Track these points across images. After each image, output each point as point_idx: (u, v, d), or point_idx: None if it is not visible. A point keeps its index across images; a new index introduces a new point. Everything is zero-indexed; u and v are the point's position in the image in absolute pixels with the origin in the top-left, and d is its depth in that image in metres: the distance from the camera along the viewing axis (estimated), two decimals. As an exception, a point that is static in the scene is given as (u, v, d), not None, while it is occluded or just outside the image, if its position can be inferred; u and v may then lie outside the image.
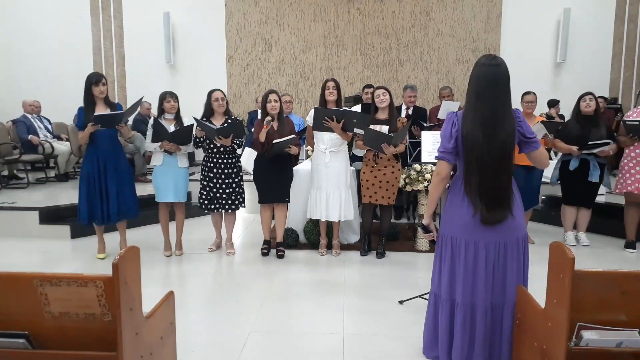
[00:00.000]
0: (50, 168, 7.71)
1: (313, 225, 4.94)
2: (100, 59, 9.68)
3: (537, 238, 5.02)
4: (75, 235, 5.26)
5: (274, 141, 4.34)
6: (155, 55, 9.50)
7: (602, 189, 5.12)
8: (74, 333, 1.85)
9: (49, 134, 7.47)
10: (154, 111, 5.14)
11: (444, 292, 2.41)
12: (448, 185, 2.56)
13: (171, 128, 4.44)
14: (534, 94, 4.97)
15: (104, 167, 4.31)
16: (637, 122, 4.53)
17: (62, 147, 7.28)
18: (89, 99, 4.27)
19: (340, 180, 4.55)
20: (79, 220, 4.43)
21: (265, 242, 4.78)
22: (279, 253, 4.64)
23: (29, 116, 7.34)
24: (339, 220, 4.65)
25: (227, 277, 4.32)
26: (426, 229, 2.52)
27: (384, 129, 4.29)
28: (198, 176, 4.92)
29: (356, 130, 4.29)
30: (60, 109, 8.20)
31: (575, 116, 4.87)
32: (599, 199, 5.25)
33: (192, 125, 4.45)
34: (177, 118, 4.55)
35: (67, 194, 6.22)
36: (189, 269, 4.42)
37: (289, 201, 4.72)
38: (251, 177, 4.76)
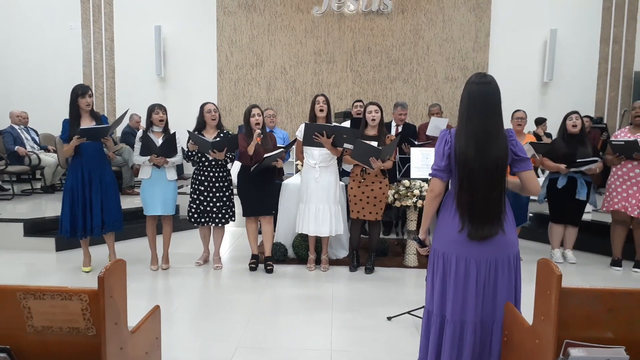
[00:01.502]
0: (37, 180, 7.63)
1: (302, 240, 4.92)
2: (90, 70, 9.65)
3: (525, 255, 5.02)
4: (60, 248, 5.19)
5: (265, 155, 4.36)
6: (146, 68, 9.50)
7: (588, 207, 5.18)
8: (56, 348, 1.81)
9: (35, 145, 7.41)
10: (144, 124, 5.12)
11: (435, 308, 2.40)
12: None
13: (159, 141, 4.43)
14: (524, 111, 5.05)
15: (88, 179, 4.27)
16: (623, 142, 4.60)
17: (48, 158, 7.22)
18: (75, 111, 4.23)
19: (330, 195, 4.55)
20: (60, 233, 4.37)
21: (253, 256, 4.75)
22: (267, 267, 4.62)
23: (16, 127, 7.29)
24: (328, 236, 4.64)
25: (214, 291, 4.28)
26: (422, 243, 2.53)
27: (373, 145, 4.32)
28: (187, 189, 4.89)
29: (346, 145, 4.31)
30: (48, 120, 8.12)
31: (562, 135, 4.94)
32: (586, 216, 5.31)
33: (175, 133, 4.44)
34: (166, 131, 4.53)
35: (53, 206, 6.15)
36: (176, 283, 4.37)
37: (274, 213, 4.70)
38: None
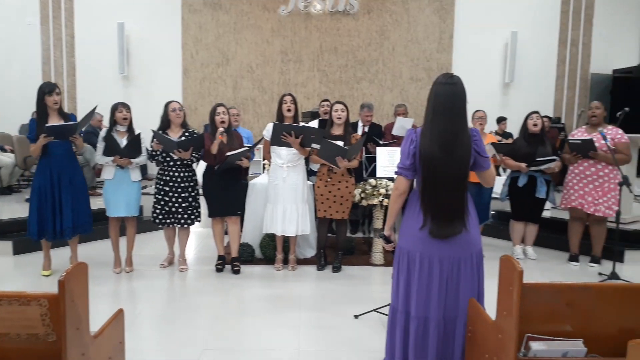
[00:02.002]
0: (-8, 181, 7.34)
1: (269, 240, 4.90)
2: (49, 68, 9.34)
3: (487, 252, 5.10)
4: (18, 251, 5.01)
5: (228, 153, 4.31)
6: (108, 65, 9.26)
7: (548, 205, 5.34)
8: (14, 355, 1.75)
9: (-9, 145, 7.13)
10: (106, 123, 5.00)
11: (400, 305, 2.43)
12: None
13: (123, 141, 4.33)
14: (484, 111, 5.20)
15: (58, 180, 4.15)
16: (580, 141, 4.76)
17: (5, 158, 6.96)
18: (42, 109, 4.11)
19: (298, 195, 4.55)
20: (28, 235, 4.23)
21: (220, 257, 4.70)
22: (234, 268, 4.57)
23: (-30, 126, 7.00)
24: (296, 235, 4.63)
25: (180, 293, 4.21)
26: (388, 240, 2.56)
27: (338, 144, 4.35)
28: (151, 190, 4.80)
29: (314, 145, 4.32)
30: (4, 119, 7.85)
31: (523, 134, 5.08)
32: (545, 214, 5.47)
33: (140, 134, 4.36)
34: (130, 130, 4.44)
35: (10, 208, 5.93)
36: (140, 285, 4.28)
37: (240, 214, 4.67)
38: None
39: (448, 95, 2.28)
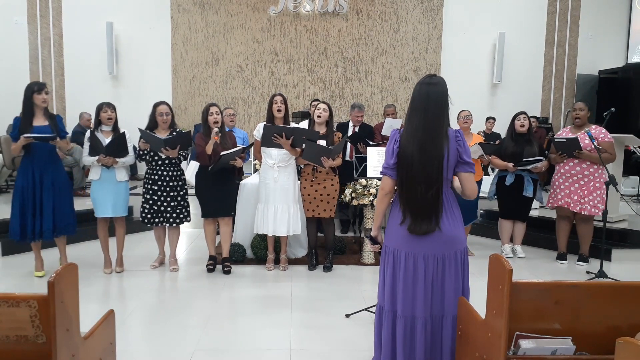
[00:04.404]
0: (-21, 181, 7.26)
1: (260, 240, 4.90)
2: (37, 68, 9.23)
3: (476, 251, 5.20)
4: (6, 252, 4.96)
5: (222, 153, 4.30)
6: (97, 65, 9.18)
7: (535, 204, 5.40)
8: (3, 357, 1.74)
9: (-22, 146, 7.03)
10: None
11: (386, 304, 2.45)
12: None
13: (107, 140, 4.31)
14: (469, 110, 5.26)
15: (39, 180, 4.11)
16: (564, 140, 4.82)
17: (-8, 159, 6.88)
18: (28, 108, 4.07)
19: (289, 195, 4.55)
20: (10, 236, 4.19)
21: (211, 257, 4.69)
22: (225, 269, 4.57)
23: (-44, 126, 6.91)
24: (287, 235, 4.64)
25: (171, 294, 4.20)
26: (374, 241, 2.57)
27: (322, 143, 4.37)
28: (140, 190, 4.77)
29: (305, 146, 4.34)
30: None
31: (511, 134, 5.13)
32: (533, 212, 5.53)
33: (124, 133, 4.34)
34: (115, 129, 4.41)
35: (-2, 209, 5.87)
36: (131, 286, 4.26)
37: (233, 214, 4.66)
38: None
39: (423, 96, 2.32)
